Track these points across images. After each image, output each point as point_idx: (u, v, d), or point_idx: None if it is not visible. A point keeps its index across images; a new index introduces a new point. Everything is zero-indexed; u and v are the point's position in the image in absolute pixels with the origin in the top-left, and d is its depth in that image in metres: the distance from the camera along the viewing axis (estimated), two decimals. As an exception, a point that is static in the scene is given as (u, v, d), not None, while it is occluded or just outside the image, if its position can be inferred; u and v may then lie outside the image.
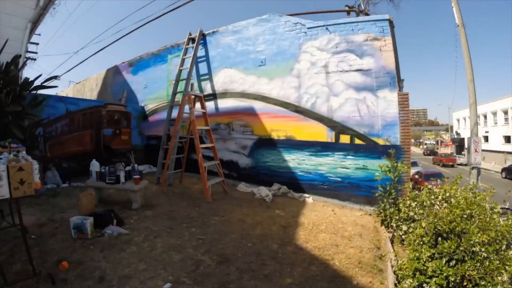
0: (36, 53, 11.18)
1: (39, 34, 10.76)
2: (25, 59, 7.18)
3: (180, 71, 8.52)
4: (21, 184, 2.56)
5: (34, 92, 6.22)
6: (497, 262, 2.61)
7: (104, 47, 8.61)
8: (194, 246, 3.65)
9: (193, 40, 8.68)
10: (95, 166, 5.56)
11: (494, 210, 3.22)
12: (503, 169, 24.29)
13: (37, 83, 6.18)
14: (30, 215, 4.20)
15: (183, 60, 8.63)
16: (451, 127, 46.48)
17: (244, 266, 3.19)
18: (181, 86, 8.27)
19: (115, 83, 11.95)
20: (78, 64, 39.16)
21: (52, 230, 3.75)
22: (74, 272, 2.78)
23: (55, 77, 6.66)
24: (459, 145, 38.67)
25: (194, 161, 8.61)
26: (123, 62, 11.64)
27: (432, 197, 3.79)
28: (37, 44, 10.96)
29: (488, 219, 3.01)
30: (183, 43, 8.95)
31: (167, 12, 10.17)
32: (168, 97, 9.10)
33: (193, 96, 6.73)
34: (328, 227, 4.58)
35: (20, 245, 2.93)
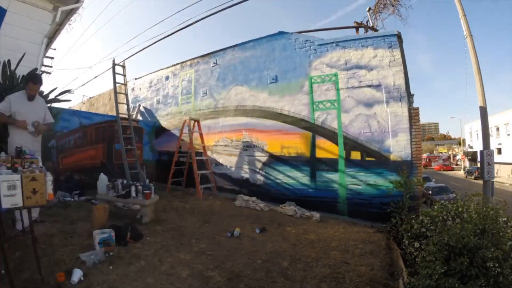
0: (51, 67, 11.51)
1: (55, 49, 11.12)
2: (41, 73, 7.39)
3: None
4: (34, 194, 2.59)
5: (49, 105, 6.37)
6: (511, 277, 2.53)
7: (118, 64, 8.84)
8: (203, 262, 3.60)
9: (199, 59, 8.94)
10: (103, 181, 5.56)
11: (508, 224, 3.13)
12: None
13: (51, 96, 6.33)
14: (41, 225, 4.22)
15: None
16: (463, 141, 45.94)
17: (253, 283, 3.12)
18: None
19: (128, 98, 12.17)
20: (92, 79, 40.32)
21: (62, 241, 3.75)
22: (83, 283, 2.77)
23: (69, 91, 6.83)
24: (472, 158, 38.44)
25: (205, 176, 8.66)
26: (135, 78, 11.89)
27: (445, 212, 3.71)
28: (52, 58, 11.31)
29: (501, 233, 2.93)
30: (195, 62, 9.17)
31: (181, 29, 10.43)
32: (180, 114, 9.26)
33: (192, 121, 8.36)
34: (339, 244, 4.48)
35: (29, 254, 2.94)
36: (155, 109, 10.65)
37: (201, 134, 8.53)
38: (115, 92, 8.48)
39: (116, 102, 8.39)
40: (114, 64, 8.82)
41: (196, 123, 8.51)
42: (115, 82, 8.71)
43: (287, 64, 7.40)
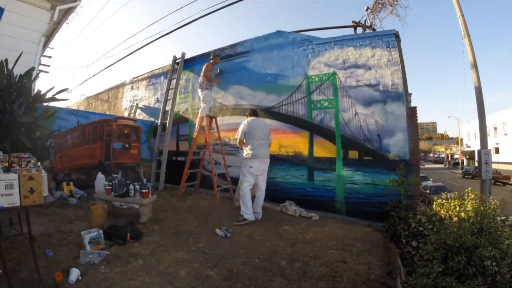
0: (49, 66, 11.42)
1: (52, 48, 11.05)
2: (38, 72, 7.35)
3: (167, 91, 9.34)
4: (31, 193, 2.59)
5: (46, 104, 6.34)
6: (509, 276, 2.54)
7: (115, 62, 8.84)
8: (201, 261, 3.61)
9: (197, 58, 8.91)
10: (100, 180, 5.56)
11: (506, 222, 3.15)
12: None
13: (49, 95, 6.31)
14: (38, 224, 4.21)
15: (169, 81, 9.38)
16: (461, 140, 46.19)
17: (251, 282, 3.13)
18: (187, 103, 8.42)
19: (126, 98, 12.15)
20: (90, 78, 40.21)
21: (59, 240, 3.74)
22: (80, 283, 2.76)
23: (66, 90, 6.79)
24: (470, 157, 38.74)
25: (204, 176, 8.64)
26: (134, 77, 11.86)
27: (442, 211, 3.72)
28: (50, 57, 11.22)
29: (499, 232, 2.94)
30: (193, 61, 9.18)
31: (177, 29, 10.44)
32: (178, 114, 9.26)
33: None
34: (337, 243, 4.49)
35: (27, 253, 2.94)
36: (153, 108, 10.62)
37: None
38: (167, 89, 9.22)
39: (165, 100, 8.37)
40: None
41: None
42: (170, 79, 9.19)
43: (284, 63, 7.39)
